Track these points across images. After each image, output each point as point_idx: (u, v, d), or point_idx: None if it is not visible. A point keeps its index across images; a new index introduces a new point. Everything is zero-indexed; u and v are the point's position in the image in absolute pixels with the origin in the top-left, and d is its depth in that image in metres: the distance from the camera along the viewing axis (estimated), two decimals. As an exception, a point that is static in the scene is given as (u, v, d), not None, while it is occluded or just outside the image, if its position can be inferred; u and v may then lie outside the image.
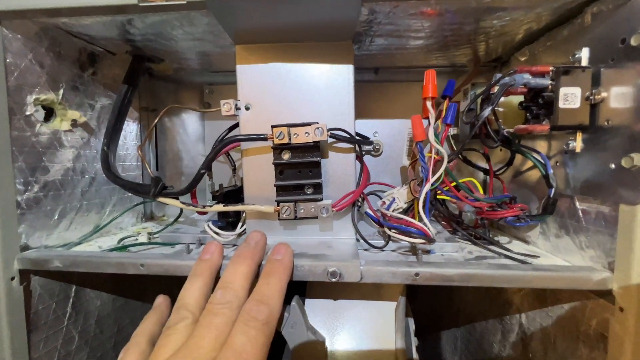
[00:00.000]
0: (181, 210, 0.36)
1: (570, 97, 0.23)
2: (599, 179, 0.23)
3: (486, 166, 0.33)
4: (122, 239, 0.32)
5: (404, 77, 0.41)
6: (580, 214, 0.24)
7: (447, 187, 0.28)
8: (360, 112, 0.41)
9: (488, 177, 0.34)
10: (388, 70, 0.41)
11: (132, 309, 0.39)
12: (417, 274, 0.22)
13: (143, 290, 0.40)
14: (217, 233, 0.28)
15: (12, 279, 0.25)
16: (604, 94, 0.22)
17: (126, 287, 0.37)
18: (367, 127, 0.42)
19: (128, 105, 0.33)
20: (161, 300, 0.25)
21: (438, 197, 0.33)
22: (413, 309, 0.38)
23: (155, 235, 0.33)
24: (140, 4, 0.21)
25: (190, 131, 0.47)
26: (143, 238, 0.33)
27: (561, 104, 0.23)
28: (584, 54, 0.24)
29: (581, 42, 0.24)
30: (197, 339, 0.18)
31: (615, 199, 0.21)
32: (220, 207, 0.27)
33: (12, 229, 0.25)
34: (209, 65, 0.39)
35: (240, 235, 0.30)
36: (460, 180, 0.29)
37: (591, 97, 0.23)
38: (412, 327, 0.36)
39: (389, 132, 0.42)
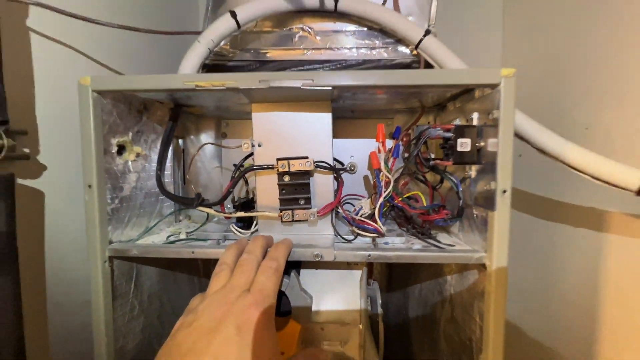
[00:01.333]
0: (208, 215, 0.49)
1: (464, 144, 0.36)
2: (484, 195, 0.36)
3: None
4: (169, 236, 0.45)
5: (373, 116, 0.55)
6: (475, 217, 0.38)
7: (397, 200, 0.42)
8: (342, 137, 0.55)
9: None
10: (361, 112, 0.54)
11: (169, 291, 0.51)
12: (369, 255, 0.36)
13: (176, 275, 0.53)
14: (239, 231, 0.42)
15: (105, 262, 0.38)
16: (482, 143, 0.36)
17: (166, 272, 0.50)
18: (346, 150, 0.56)
19: (171, 138, 0.46)
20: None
21: (395, 204, 0.47)
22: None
23: (191, 234, 0.46)
24: (197, 88, 0.34)
25: (207, 152, 0.60)
26: (182, 235, 0.45)
27: (458, 148, 0.36)
28: (475, 116, 0.38)
29: (474, 108, 0.38)
30: (234, 279, 0.30)
31: (488, 208, 0.35)
32: (242, 214, 0.40)
33: (105, 229, 0.38)
34: (226, 110, 0.52)
35: (253, 232, 0.43)
36: (408, 194, 0.43)
37: (477, 144, 0.36)
38: (378, 294, 0.49)
39: (363, 155, 0.55)
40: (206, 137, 0.58)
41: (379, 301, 0.50)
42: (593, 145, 0.50)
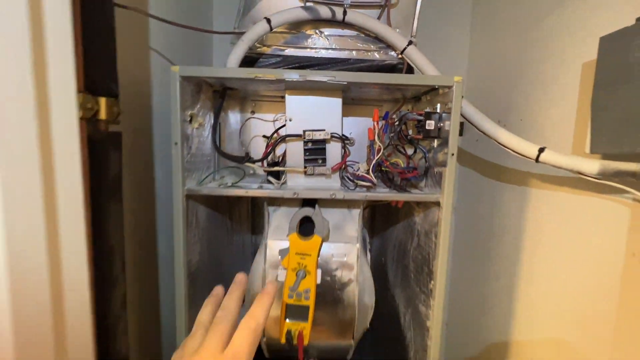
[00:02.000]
0: (244, 172, 0.65)
1: (430, 124, 0.55)
2: (441, 158, 0.56)
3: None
4: (219, 185, 0.61)
5: (367, 103, 0.73)
6: (435, 174, 0.58)
7: (385, 164, 0.60)
8: (344, 116, 0.73)
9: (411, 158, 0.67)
10: (359, 100, 0.72)
11: (212, 229, 0.68)
12: (366, 195, 0.54)
13: (216, 216, 0.69)
14: (273, 181, 0.59)
15: (183, 199, 0.54)
16: (442, 124, 0.55)
17: (211, 214, 0.66)
18: (347, 128, 0.74)
19: (220, 111, 0.62)
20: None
21: (383, 169, 0.66)
22: (372, 235, 0.71)
23: (235, 184, 0.62)
24: (255, 78, 0.50)
25: (232, 123, 0.75)
26: (229, 184, 0.62)
27: (426, 127, 0.55)
28: (439, 107, 0.56)
29: (438, 100, 0.57)
30: (207, 341, 0.28)
31: (443, 166, 0.54)
32: (278, 168, 0.58)
33: (183, 177, 0.54)
34: (256, 93, 0.67)
35: (283, 183, 0.60)
36: (392, 161, 0.62)
37: (438, 125, 0.55)
38: (367, 236, 0.69)
39: (359, 131, 0.74)
40: (238, 113, 0.73)
41: (368, 239, 0.70)
42: (525, 132, 0.72)
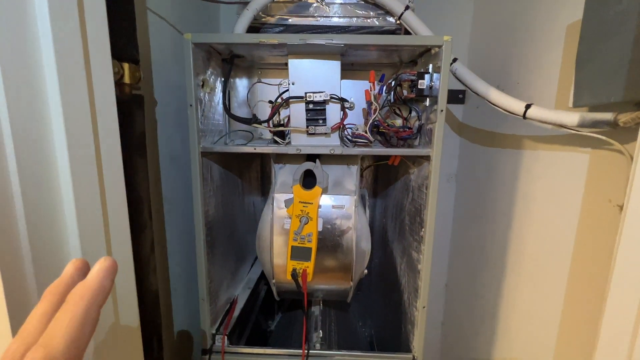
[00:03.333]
0: (253, 134, 0.72)
1: (422, 83, 0.59)
2: (431, 115, 0.60)
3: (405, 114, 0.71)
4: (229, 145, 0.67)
5: (366, 68, 0.77)
6: (427, 131, 0.62)
7: (382, 125, 0.65)
8: (345, 79, 0.77)
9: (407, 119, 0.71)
10: (358, 65, 0.76)
11: (225, 187, 0.75)
12: (362, 151, 0.60)
13: (228, 176, 0.76)
14: (279, 141, 0.65)
15: (199, 156, 0.60)
16: (432, 83, 0.59)
17: (223, 173, 0.74)
18: (348, 93, 0.78)
19: (229, 76, 0.67)
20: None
21: (381, 130, 0.71)
22: (375, 195, 0.77)
23: (245, 144, 0.68)
24: (260, 43, 0.55)
25: (241, 89, 0.81)
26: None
27: (419, 86, 0.59)
28: (430, 67, 0.60)
29: (430, 61, 0.61)
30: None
31: (433, 121, 0.59)
32: (283, 128, 0.63)
33: (198, 137, 0.60)
34: (262, 60, 0.72)
35: (287, 143, 0.66)
36: (389, 121, 0.66)
37: (429, 84, 0.59)
38: (367, 195, 0.75)
39: (359, 96, 0.78)
40: (246, 80, 0.79)
41: (367, 197, 0.76)
42: (522, 94, 0.75)
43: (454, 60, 0.69)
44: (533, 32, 0.72)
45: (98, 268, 0.23)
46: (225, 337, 0.67)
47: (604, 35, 0.49)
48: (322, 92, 0.62)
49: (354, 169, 0.67)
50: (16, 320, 0.30)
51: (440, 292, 1.23)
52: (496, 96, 0.64)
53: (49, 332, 0.20)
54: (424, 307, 0.63)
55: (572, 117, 0.54)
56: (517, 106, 0.61)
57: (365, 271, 0.69)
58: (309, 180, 0.64)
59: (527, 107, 0.60)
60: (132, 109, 0.55)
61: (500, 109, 0.64)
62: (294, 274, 0.59)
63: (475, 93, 0.68)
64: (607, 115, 0.50)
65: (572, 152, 0.61)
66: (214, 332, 0.67)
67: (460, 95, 1.07)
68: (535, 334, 0.69)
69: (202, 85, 0.62)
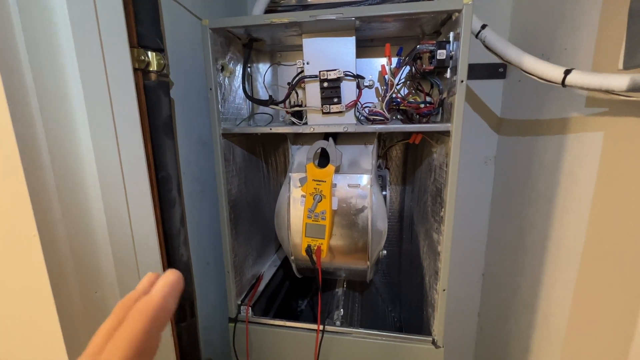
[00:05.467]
0: (271, 117, 0.73)
1: (441, 54, 0.55)
2: (451, 87, 0.56)
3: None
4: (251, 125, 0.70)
5: (386, 42, 0.73)
6: (448, 105, 0.58)
7: (403, 103, 0.63)
8: (364, 58, 0.75)
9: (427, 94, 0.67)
10: (378, 40, 0.73)
11: (250, 168, 0.78)
12: (376, 129, 0.58)
13: (251, 159, 0.80)
14: (296, 121, 0.66)
15: (220, 137, 0.64)
16: (452, 52, 0.55)
17: (245, 155, 0.77)
18: (367, 72, 0.76)
19: (248, 61, 0.69)
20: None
21: (401, 108, 0.68)
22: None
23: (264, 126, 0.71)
24: (272, 23, 0.56)
25: (261, 74, 0.83)
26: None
27: (438, 57, 0.56)
28: (451, 35, 0.56)
29: (451, 29, 0.56)
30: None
31: (452, 94, 0.55)
32: (299, 108, 0.64)
33: (219, 119, 0.64)
34: (280, 43, 0.73)
35: (304, 123, 0.66)
36: (411, 98, 0.64)
37: (449, 53, 0.55)
38: (388, 176, 0.73)
39: (378, 75, 0.75)
40: (267, 64, 0.81)
41: (388, 179, 0.74)
42: (568, 60, 0.66)
43: (483, 27, 0.63)
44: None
45: (162, 283, 0.22)
46: (250, 308, 0.71)
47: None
48: (335, 69, 0.61)
49: (370, 148, 0.66)
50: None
51: (478, 282, 1.16)
52: (531, 63, 0.57)
53: (108, 351, 0.19)
54: (444, 290, 0.61)
55: (620, 81, 0.47)
56: (555, 72, 0.54)
57: (384, 252, 0.68)
58: (323, 159, 0.65)
59: (567, 72, 0.53)
60: (159, 94, 0.60)
61: (536, 78, 0.58)
62: (309, 250, 0.60)
63: (507, 62, 0.61)
64: (665, 75, 0.42)
65: (621, 126, 0.53)
66: (239, 302, 0.72)
67: (501, 69, 0.97)
68: (574, 335, 0.63)
69: (222, 70, 0.65)
